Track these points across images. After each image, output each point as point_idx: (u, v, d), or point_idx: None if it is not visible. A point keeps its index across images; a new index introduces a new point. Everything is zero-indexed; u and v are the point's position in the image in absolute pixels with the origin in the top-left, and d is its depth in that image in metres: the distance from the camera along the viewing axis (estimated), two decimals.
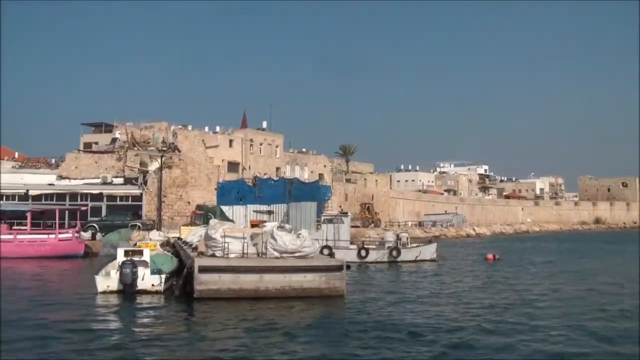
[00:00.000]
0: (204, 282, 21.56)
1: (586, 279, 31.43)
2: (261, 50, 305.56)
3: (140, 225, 51.71)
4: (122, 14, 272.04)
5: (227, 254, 22.80)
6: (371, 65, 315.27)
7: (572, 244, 71.57)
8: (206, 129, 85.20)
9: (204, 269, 21.67)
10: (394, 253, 40.47)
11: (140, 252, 24.28)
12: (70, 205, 52.70)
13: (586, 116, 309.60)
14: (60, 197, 56.01)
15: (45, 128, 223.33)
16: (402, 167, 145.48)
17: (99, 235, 48.47)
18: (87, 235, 46.60)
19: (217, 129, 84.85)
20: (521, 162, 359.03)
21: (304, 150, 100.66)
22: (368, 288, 27.08)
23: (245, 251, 23.03)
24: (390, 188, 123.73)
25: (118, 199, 57.00)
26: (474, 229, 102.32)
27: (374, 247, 43.07)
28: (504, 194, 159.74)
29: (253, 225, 54.14)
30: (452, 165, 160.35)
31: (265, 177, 78.35)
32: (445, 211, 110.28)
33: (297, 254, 22.88)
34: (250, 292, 21.72)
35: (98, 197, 56.36)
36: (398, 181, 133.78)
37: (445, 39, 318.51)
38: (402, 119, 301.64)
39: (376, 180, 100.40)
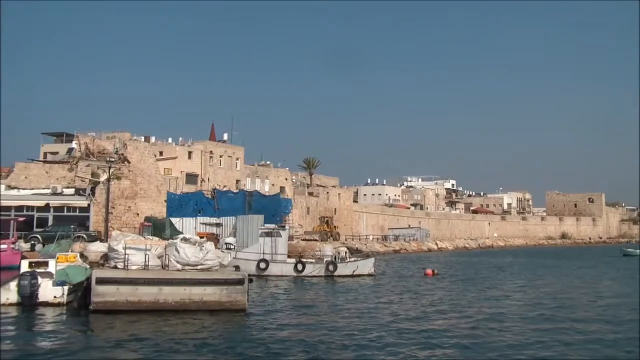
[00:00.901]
0: (101, 294, 21.27)
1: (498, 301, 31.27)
2: (228, 64, 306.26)
3: (85, 236, 51.02)
4: (97, 21, 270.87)
5: (128, 265, 22.50)
6: (342, 82, 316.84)
7: (526, 258, 71.76)
8: (169, 140, 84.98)
9: (101, 281, 21.38)
10: (331, 267, 40.24)
11: (46, 264, 23.91)
12: (16, 215, 51.84)
13: (554, 132, 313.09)
14: (6, 208, 55.16)
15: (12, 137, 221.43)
16: (369, 181, 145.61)
17: (39, 247, 47.73)
18: (25, 246, 45.86)
19: (180, 140, 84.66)
20: (490, 177, 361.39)
21: (267, 163, 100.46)
22: (279, 302, 26.92)
23: (148, 263, 22.73)
24: (357, 202, 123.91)
25: (65, 209, 56.27)
26: (436, 244, 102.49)
27: (312, 261, 42.79)
28: (472, 208, 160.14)
29: (200, 237, 54.03)
30: (420, 180, 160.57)
31: (224, 189, 78.13)
32: (409, 225, 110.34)
33: (199, 267, 22.67)
34: (149, 304, 21.46)
35: (45, 207, 55.61)
36: (365, 195, 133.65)
37: (406, 58, 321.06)
38: (371, 133, 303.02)
39: (339, 194, 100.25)
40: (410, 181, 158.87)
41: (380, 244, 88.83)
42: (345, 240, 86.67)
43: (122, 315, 20.73)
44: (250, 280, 23.09)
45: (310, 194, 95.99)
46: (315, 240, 79.00)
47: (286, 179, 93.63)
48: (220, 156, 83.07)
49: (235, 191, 78.82)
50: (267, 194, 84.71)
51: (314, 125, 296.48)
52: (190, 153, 79.09)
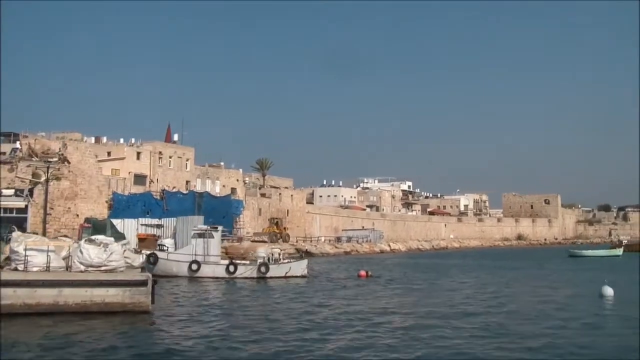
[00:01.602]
0: None
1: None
2: (186, 64, 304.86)
3: None
4: (64, 21, 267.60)
5: (28, 267, 21.93)
6: (311, 85, 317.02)
7: (472, 260, 71.99)
8: (121, 140, 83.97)
9: None
10: (263, 269, 39.93)
11: None
12: None
13: (510, 134, 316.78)
14: None
15: None
16: (324, 182, 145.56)
17: None
18: None
19: (133, 141, 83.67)
20: (447, 179, 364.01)
21: (220, 164, 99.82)
22: (190, 303, 26.62)
23: (50, 264, 22.18)
24: (312, 203, 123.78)
25: (2, 211, 55.16)
26: (389, 245, 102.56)
27: (247, 262, 42.43)
28: (429, 210, 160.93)
29: (141, 239, 53.30)
30: (376, 181, 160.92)
31: (174, 190, 77.37)
32: (363, 227, 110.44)
33: (103, 268, 22.21)
34: (48, 307, 20.93)
35: None
36: (320, 196, 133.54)
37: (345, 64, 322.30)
38: (327, 134, 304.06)
39: (292, 195, 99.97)
40: (367, 183, 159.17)
41: (331, 246, 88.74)
42: (296, 241, 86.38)
43: (20, 319, 20.19)
44: (155, 282, 22.69)
45: (263, 195, 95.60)
46: (264, 241, 78.57)
47: (237, 180, 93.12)
48: (170, 157, 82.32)
49: (185, 192, 78.14)
50: (218, 195, 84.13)
51: (272, 126, 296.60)
52: (139, 154, 78.27)
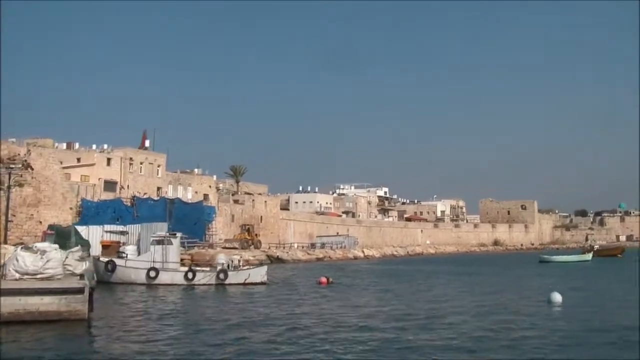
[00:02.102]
0: None
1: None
2: (159, 70, 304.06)
3: None
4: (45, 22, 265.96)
5: None
6: (290, 91, 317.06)
7: (442, 266, 71.92)
8: (94, 146, 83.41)
9: None
10: (221, 275, 39.59)
11: None
12: None
13: (487, 140, 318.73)
14: None
15: None
16: (300, 188, 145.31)
17: None
18: None
19: (105, 147, 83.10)
20: (424, 185, 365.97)
21: (196, 170, 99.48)
22: (134, 310, 26.27)
23: None
24: (288, 209, 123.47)
25: None
26: (363, 251, 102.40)
27: (207, 269, 42.07)
28: (405, 216, 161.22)
29: (104, 246, 52.75)
30: (353, 188, 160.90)
31: (145, 197, 76.82)
32: (337, 233, 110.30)
33: (39, 276, 21.81)
34: None
35: None
36: (296, 202, 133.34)
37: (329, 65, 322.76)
38: (304, 140, 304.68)
39: (265, 202, 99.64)
40: (343, 189, 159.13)
41: (303, 252, 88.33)
42: (269, 248, 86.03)
43: None
44: (92, 289, 22.32)
45: (236, 201, 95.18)
46: (235, 248, 78.30)
47: (210, 187, 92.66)
48: (141, 163, 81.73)
49: (156, 198, 77.66)
50: (190, 201, 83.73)
51: (249, 132, 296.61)
52: (109, 160, 77.68)
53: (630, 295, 30.91)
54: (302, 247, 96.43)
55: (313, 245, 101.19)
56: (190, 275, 39.58)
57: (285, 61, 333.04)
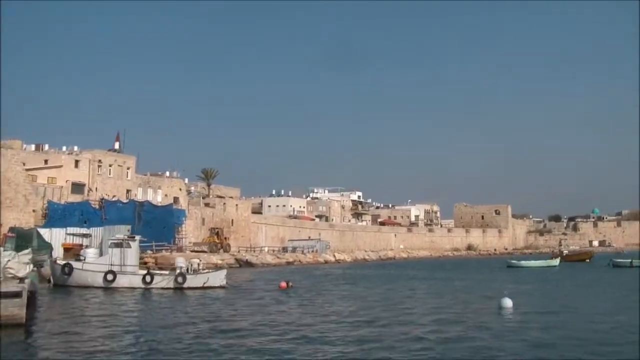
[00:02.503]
0: None
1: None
2: (135, 72, 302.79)
3: None
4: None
5: None
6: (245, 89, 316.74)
7: (403, 270, 71.78)
8: (64, 148, 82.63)
9: None
10: (180, 279, 39.28)
11: None
12: None
13: (463, 145, 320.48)
14: None
15: None
16: (273, 192, 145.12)
17: None
18: None
19: (75, 148, 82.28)
20: (399, 190, 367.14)
21: (165, 173, 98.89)
22: (76, 315, 25.89)
23: None
24: (261, 213, 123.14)
25: None
26: (334, 255, 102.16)
27: (165, 272, 41.74)
28: (379, 220, 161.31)
29: (66, 249, 52.16)
30: (326, 191, 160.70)
31: (113, 199, 76.17)
32: (309, 237, 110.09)
33: None
34: None
35: None
36: (269, 206, 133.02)
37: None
38: (278, 143, 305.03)
39: (237, 205, 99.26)
40: (317, 193, 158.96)
41: (273, 256, 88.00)
42: (238, 251, 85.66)
43: None
44: (31, 293, 21.99)
45: (207, 204, 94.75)
46: (204, 251, 77.95)
47: (180, 189, 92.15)
48: (110, 165, 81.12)
49: (125, 201, 77.05)
50: (160, 204, 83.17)
51: (223, 136, 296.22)
52: (77, 162, 76.99)
53: (584, 302, 30.91)
54: (273, 250, 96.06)
55: (285, 249, 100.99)
56: (148, 278, 39.23)
57: (266, 61, 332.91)
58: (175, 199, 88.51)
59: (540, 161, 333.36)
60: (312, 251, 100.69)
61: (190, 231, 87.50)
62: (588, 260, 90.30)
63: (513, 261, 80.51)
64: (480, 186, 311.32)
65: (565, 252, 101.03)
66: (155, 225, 77.41)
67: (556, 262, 78.23)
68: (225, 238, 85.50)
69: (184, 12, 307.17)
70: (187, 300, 33.64)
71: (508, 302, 26.52)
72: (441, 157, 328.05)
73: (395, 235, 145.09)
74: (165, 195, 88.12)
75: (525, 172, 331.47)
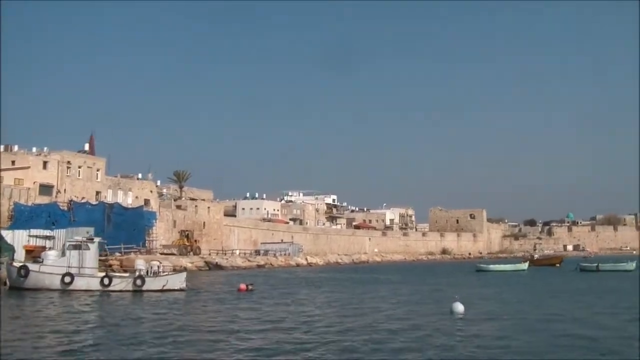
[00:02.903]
0: None
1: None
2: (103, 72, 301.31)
3: None
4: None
5: None
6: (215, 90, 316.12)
7: (370, 274, 71.54)
8: (33, 149, 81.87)
9: None
10: (138, 282, 38.98)
11: None
12: None
13: (437, 149, 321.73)
14: None
15: None
16: (248, 195, 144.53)
17: None
18: None
19: (46, 149, 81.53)
20: (374, 193, 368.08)
21: (141, 175, 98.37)
22: (17, 319, 25.53)
23: None
24: (235, 216, 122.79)
25: None
26: (306, 259, 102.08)
27: (126, 275, 41.43)
28: (354, 224, 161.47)
29: (27, 251, 51.61)
30: (301, 194, 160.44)
31: (82, 201, 75.51)
32: (282, 240, 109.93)
33: None
34: None
35: None
36: (243, 209, 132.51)
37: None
38: (253, 146, 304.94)
39: (209, 208, 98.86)
40: (291, 196, 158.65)
41: (244, 259, 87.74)
42: (209, 254, 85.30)
43: None
44: None
45: (179, 207, 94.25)
46: (173, 254, 77.56)
47: (151, 192, 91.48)
48: (79, 167, 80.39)
49: (94, 203, 76.44)
50: (130, 206, 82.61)
51: (198, 138, 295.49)
52: (45, 163, 76.23)
53: (536, 308, 30.87)
54: (245, 253, 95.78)
55: (257, 252, 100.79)
56: (106, 281, 38.89)
57: (238, 61, 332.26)
58: (146, 201, 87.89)
59: (516, 166, 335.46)
60: (285, 254, 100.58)
61: (162, 233, 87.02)
62: (558, 265, 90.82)
63: (482, 265, 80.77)
64: (456, 190, 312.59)
65: (536, 256, 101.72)
66: (126, 228, 76.94)
67: (525, 266, 78.59)
68: (196, 241, 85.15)
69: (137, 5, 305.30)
70: (139, 302, 33.41)
71: (459, 307, 26.49)
72: (417, 161, 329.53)
73: (370, 239, 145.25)
74: (136, 197, 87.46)
75: (502, 176, 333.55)
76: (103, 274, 40.68)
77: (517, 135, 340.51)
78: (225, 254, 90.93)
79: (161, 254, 76.74)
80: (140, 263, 42.07)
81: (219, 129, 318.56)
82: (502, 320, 24.88)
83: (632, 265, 69.39)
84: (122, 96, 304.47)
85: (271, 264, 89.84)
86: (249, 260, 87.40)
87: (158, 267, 42.24)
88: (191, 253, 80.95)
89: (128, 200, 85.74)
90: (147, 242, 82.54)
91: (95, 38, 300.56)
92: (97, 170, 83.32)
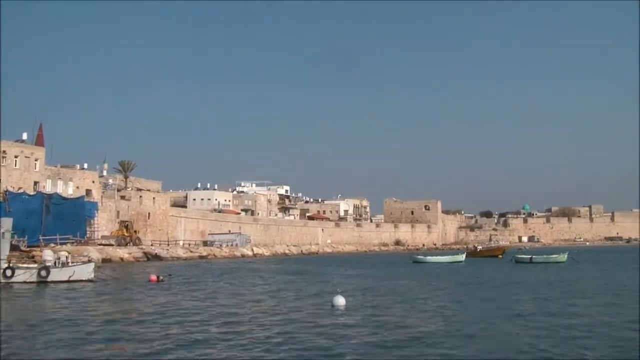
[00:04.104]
0: None
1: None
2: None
3: None
4: None
5: None
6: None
7: (301, 265, 71.41)
8: None
9: None
10: (43, 273, 38.52)
11: None
12: None
13: (393, 141, 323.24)
14: None
15: None
16: (199, 185, 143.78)
17: None
18: None
19: None
20: (330, 185, 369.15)
21: (84, 164, 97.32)
22: None
23: None
24: (185, 207, 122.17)
25: None
26: (252, 250, 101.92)
27: (33, 265, 40.87)
28: (308, 215, 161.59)
29: None
30: (254, 185, 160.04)
31: (19, 191, 74.46)
32: (229, 231, 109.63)
33: None
34: None
35: None
36: (194, 200, 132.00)
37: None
38: (206, 136, 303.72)
39: (154, 198, 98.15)
40: (244, 187, 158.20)
41: (185, 250, 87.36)
42: (151, 245, 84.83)
43: None
44: None
45: (123, 197, 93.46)
46: (111, 245, 76.91)
47: (93, 182, 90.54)
48: (16, 156, 79.20)
49: (31, 193, 75.48)
50: (71, 197, 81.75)
51: (148, 127, 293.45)
52: None
53: (429, 300, 30.89)
54: (189, 244, 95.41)
55: (205, 243, 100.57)
56: (9, 272, 38.25)
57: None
58: (88, 192, 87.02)
59: (474, 158, 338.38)
60: (231, 245, 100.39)
61: (104, 224, 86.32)
62: (500, 256, 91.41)
63: (419, 257, 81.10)
64: (414, 183, 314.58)
65: (479, 247, 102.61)
66: (65, 218, 76.11)
67: (462, 257, 79.01)
68: (135, 231, 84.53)
69: None
70: (35, 294, 33.04)
71: (340, 300, 26.39)
72: (374, 153, 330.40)
73: (323, 229, 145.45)
74: (77, 187, 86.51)
75: (459, 169, 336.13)
76: (5, 265, 39.86)
77: (476, 128, 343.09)
78: (169, 244, 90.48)
79: (99, 244, 76.14)
80: (47, 254, 41.69)
81: (171, 119, 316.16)
82: (377, 311, 24.95)
83: (563, 257, 70.35)
84: (71, 86, 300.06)
85: (214, 255, 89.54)
86: (190, 252, 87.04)
87: (66, 257, 41.75)
88: (130, 244, 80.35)
89: (69, 190, 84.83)
90: (88, 232, 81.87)
91: (47, 22, 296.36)
92: (36, 160, 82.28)
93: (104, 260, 66.43)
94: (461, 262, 75.97)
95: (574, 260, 68.59)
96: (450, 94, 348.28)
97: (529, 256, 71.84)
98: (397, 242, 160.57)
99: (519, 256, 73.80)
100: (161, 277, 41.40)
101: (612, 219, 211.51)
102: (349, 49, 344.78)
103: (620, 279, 44.43)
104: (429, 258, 78.32)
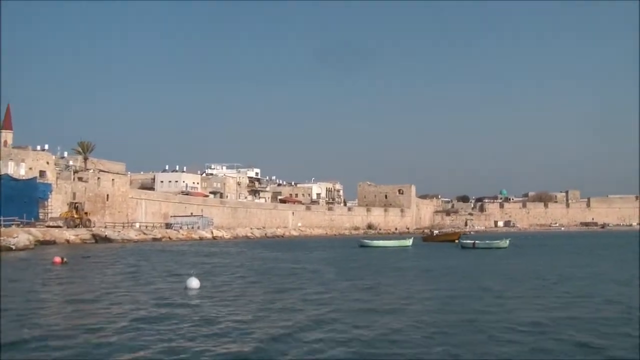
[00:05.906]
0: None
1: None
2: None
3: None
4: None
5: None
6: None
7: (253, 249, 71.66)
8: None
9: None
10: None
11: None
12: None
13: (370, 124, 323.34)
14: None
15: None
16: (167, 167, 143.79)
17: None
18: None
19: None
20: (304, 168, 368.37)
21: (27, 146, 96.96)
22: None
23: None
24: (153, 189, 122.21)
25: None
26: (211, 232, 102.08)
27: None
28: (280, 198, 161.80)
29: None
30: (224, 168, 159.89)
31: None
32: (191, 213, 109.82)
33: None
34: None
35: None
36: (162, 182, 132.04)
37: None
38: (175, 118, 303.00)
39: (113, 180, 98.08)
40: (214, 169, 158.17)
41: (138, 232, 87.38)
42: (105, 227, 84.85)
43: None
44: None
45: (80, 179, 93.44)
46: (59, 227, 76.94)
47: (48, 163, 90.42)
48: None
49: None
50: (23, 178, 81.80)
51: (114, 109, 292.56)
52: None
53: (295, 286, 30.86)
54: (146, 227, 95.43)
55: (168, 226, 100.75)
56: None
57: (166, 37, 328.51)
58: (42, 173, 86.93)
59: (451, 142, 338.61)
60: (192, 228, 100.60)
61: (59, 206, 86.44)
62: (456, 241, 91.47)
63: (366, 241, 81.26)
64: (391, 166, 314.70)
65: (436, 232, 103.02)
66: (16, 200, 76.45)
67: (409, 242, 79.17)
68: (86, 213, 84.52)
69: None
70: None
71: (194, 283, 26.37)
72: (351, 136, 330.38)
73: (293, 213, 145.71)
74: (30, 168, 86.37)
75: (436, 153, 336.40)
76: None
77: (453, 113, 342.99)
78: (124, 227, 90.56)
79: (47, 226, 76.20)
80: None
81: (140, 100, 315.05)
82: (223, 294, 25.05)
83: (505, 243, 70.74)
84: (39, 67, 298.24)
85: (169, 238, 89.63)
86: (144, 234, 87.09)
87: None
88: (80, 226, 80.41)
89: (21, 171, 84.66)
90: (41, 214, 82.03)
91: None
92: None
93: (46, 242, 66.46)
94: (408, 246, 75.93)
95: (515, 246, 69.49)
96: (428, 78, 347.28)
97: (472, 241, 72.17)
98: (370, 226, 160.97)
99: (464, 241, 74.18)
100: (65, 259, 41.34)
101: (588, 204, 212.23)
102: (319, 35, 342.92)
103: (537, 267, 43.76)
104: (375, 242, 78.43)
